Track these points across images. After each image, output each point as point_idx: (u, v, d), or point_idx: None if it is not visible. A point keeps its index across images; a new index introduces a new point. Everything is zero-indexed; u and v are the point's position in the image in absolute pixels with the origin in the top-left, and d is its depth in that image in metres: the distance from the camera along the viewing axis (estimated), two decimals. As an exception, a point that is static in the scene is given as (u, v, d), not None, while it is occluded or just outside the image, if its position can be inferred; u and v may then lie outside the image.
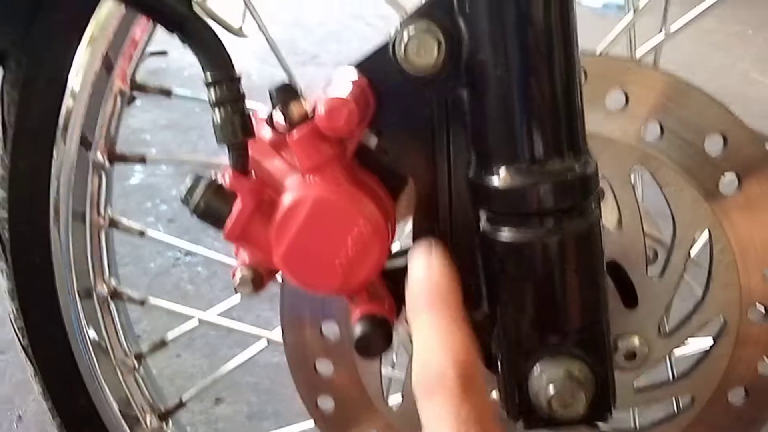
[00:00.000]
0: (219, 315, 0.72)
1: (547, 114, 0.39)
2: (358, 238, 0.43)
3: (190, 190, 0.44)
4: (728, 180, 0.50)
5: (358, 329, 0.45)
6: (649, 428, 0.58)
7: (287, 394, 1.19)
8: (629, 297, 0.53)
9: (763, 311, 0.53)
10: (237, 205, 0.43)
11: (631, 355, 0.54)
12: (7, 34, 0.59)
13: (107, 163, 0.63)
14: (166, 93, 0.63)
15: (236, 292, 0.47)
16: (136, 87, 0.61)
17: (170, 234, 1.56)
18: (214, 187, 0.43)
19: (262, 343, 0.69)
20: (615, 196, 0.50)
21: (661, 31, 0.55)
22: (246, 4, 0.64)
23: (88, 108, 0.58)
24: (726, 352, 0.54)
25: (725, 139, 0.49)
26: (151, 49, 0.66)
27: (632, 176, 0.50)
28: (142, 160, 0.65)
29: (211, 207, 0.43)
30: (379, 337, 0.43)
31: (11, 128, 0.58)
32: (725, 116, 0.49)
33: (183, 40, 0.42)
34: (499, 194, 0.41)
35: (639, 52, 0.55)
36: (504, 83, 0.40)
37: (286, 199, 0.43)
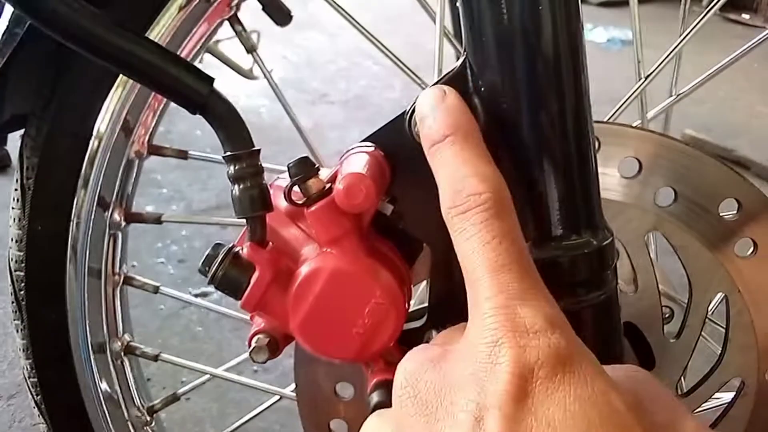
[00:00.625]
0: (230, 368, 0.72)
1: (563, 192, 0.40)
2: (375, 308, 0.43)
3: (208, 260, 0.44)
4: (743, 243, 0.50)
5: (375, 397, 0.45)
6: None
7: (298, 440, 1.18)
8: (646, 358, 0.53)
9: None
10: (255, 277, 0.43)
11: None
12: (29, 100, 0.60)
13: (123, 223, 0.64)
14: (183, 155, 0.65)
15: (252, 360, 0.47)
16: (153, 150, 0.63)
17: (183, 274, 1.58)
18: (232, 258, 0.44)
19: (275, 397, 0.69)
20: (630, 260, 0.50)
21: (671, 94, 0.56)
22: (249, 51, 0.65)
23: (106, 170, 0.59)
24: (744, 414, 0.54)
25: (739, 204, 0.49)
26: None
27: (647, 239, 0.51)
28: (157, 220, 0.66)
29: (229, 278, 0.44)
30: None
31: (29, 191, 0.59)
32: (738, 181, 0.49)
33: (205, 118, 0.43)
34: (516, 266, 0.41)
35: (649, 114, 0.56)
36: (518, 161, 0.40)
37: (303, 270, 0.43)
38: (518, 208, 0.41)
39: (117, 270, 0.66)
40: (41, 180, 0.59)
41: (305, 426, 0.60)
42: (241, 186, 0.43)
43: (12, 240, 0.62)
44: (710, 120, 2.74)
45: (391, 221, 0.48)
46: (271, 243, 0.45)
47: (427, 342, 0.49)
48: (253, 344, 0.47)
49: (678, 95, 0.59)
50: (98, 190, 0.60)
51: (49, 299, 0.63)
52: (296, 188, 0.43)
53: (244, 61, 2.05)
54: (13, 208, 0.61)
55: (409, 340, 0.48)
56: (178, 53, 0.58)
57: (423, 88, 0.43)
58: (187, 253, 1.69)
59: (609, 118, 0.55)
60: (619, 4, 4.05)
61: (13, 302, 0.64)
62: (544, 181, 0.40)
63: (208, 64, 1.95)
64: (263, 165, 0.44)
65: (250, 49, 0.61)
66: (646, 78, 0.55)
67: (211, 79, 0.42)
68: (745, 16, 3.96)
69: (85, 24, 0.38)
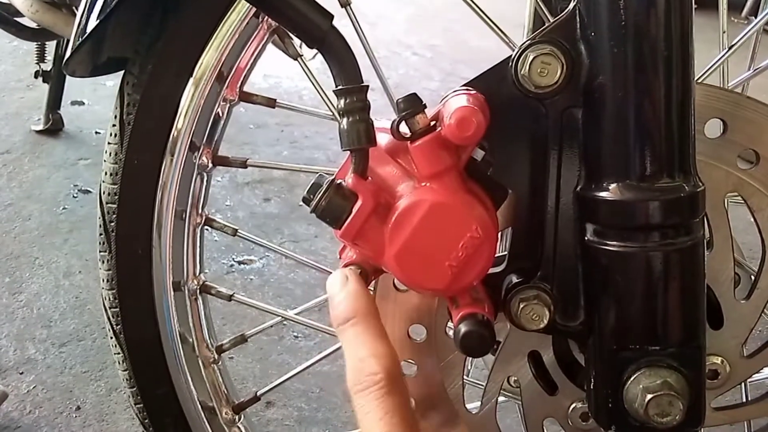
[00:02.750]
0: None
1: (661, 135, 0.42)
2: (470, 242, 0.45)
3: (312, 189, 0.47)
4: (821, 209, 0.51)
5: (462, 328, 0.47)
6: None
7: (337, 403, 1.21)
8: (715, 318, 0.55)
9: None
10: (357, 205, 0.46)
11: (714, 375, 0.55)
12: (130, 43, 0.64)
13: (210, 165, 0.67)
14: (271, 103, 0.67)
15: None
16: (244, 96, 0.66)
17: (226, 242, 1.62)
18: (336, 188, 0.46)
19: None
20: (708, 220, 0.52)
21: (749, 68, 0.58)
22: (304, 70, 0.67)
23: (198, 114, 0.62)
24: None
25: (819, 170, 0.51)
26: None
27: (726, 200, 0.52)
28: (243, 164, 0.69)
29: (332, 206, 0.46)
30: (484, 336, 0.46)
31: (129, 126, 0.63)
32: (821, 147, 0.50)
33: (321, 52, 0.45)
34: (609, 208, 0.44)
35: (729, 85, 0.58)
36: (622, 104, 0.42)
37: (403, 201, 0.46)
38: (618, 151, 0.43)
39: (200, 210, 0.69)
40: (141, 116, 0.62)
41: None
42: (350, 119, 0.46)
43: (106, 173, 0.65)
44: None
45: (480, 167, 0.50)
46: (370, 178, 0.48)
47: (508, 285, 0.51)
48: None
49: (756, 69, 0.60)
50: (191, 132, 0.63)
51: (138, 235, 0.66)
52: (403, 124, 0.45)
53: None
54: (109, 143, 0.65)
55: (490, 283, 0.51)
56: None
57: (512, 49, 0.46)
58: (231, 222, 1.72)
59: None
60: None
61: (101, 234, 0.67)
62: (645, 124, 0.42)
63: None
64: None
65: (296, 56, 0.64)
66: (729, 48, 0.57)
67: (331, 16, 0.45)
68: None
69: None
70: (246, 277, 1.55)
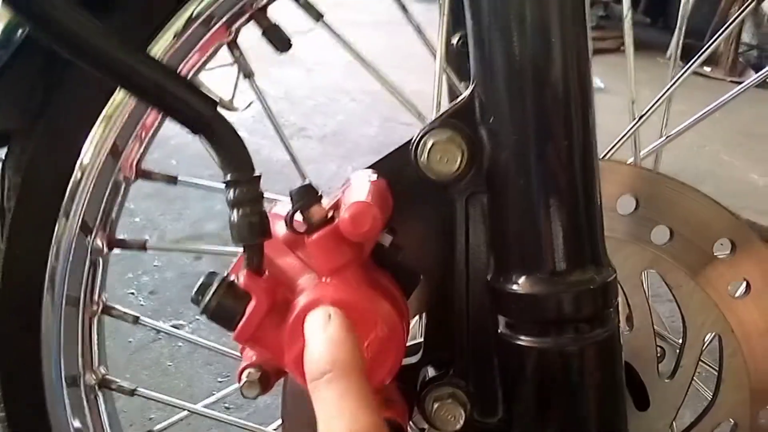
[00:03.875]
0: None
1: (569, 225, 0.40)
2: (375, 341, 0.42)
3: (201, 289, 0.43)
4: (737, 283, 0.50)
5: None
6: None
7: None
8: (641, 398, 0.53)
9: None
10: (251, 307, 0.42)
11: (644, 460, 0.53)
12: (14, 117, 0.58)
13: (106, 249, 0.62)
14: (172, 180, 0.63)
15: (242, 395, 0.45)
16: (142, 174, 0.61)
17: (153, 306, 1.54)
18: (227, 287, 0.42)
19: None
20: (626, 298, 0.50)
21: (661, 135, 0.57)
22: (246, 77, 0.64)
23: (91, 194, 0.57)
24: (738, 458, 0.53)
25: (733, 244, 0.50)
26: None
27: (642, 277, 0.51)
28: (142, 247, 0.64)
29: (223, 307, 0.42)
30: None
31: (9, 213, 0.57)
32: (732, 221, 0.50)
33: (207, 141, 0.42)
34: (519, 302, 0.41)
35: (642, 153, 0.57)
36: (525, 192, 0.40)
37: (301, 300, 0.42)
38: (524, 241, 0.41)
39: (96, 298, 0.63)
40: (22, 202, 0.56)
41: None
42: (241, 212, 0.42)
43: (-14, 264, 0.59)
44: (677, 166, 2.82)
45: (389, 253, 0.47)
46: (267, 272, 0.44)
47: (423, 379, 0.48)
48: (244, 379, 0.45)
49: (668, 136, 0.60)
50: (81, 215, 0.58)
51: (23, 328, 0.60)
52: (298, 215, 0.42)
53: (225, 92, 2.04)
54: (-11, 230, 0.59)
55: (405, 376, 0.47)
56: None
57: (424, 123, 0.43)
58: (159, 284, 1.64)
59: (602, 157, 0.56)
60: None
61: (-18, 330, 0.61)
62: (550, 214, 0.40)
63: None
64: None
65: (248, 74, 0.61)
66: (640, 118, 0.56)
67: (214, 102, 0.42)
68: (707, 69, 4.13)
69: (91, 38, 0.37)
70: (173, 345, 1.46)
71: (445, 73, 0.59)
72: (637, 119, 0.56)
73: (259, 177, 0.43)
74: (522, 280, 0.40)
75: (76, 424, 0.64)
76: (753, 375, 0.52)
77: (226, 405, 1.31)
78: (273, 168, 2.60)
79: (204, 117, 0.41)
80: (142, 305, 1.56)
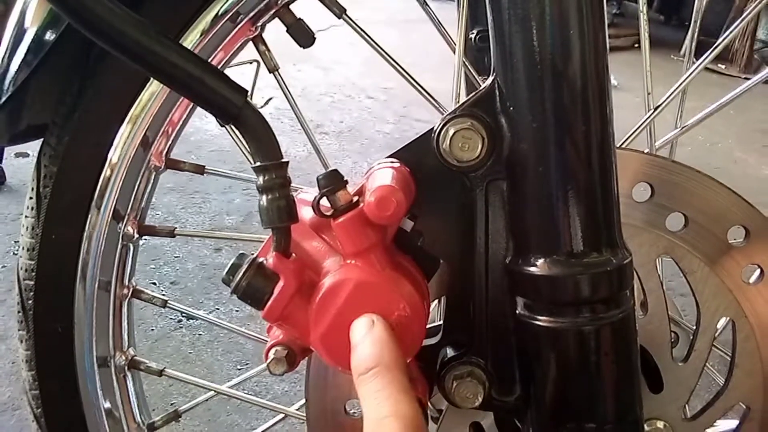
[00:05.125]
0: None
1: (586, 209, 0.41)
2: (398, 321, 0.43)
3: (232, 269, 0.45)
4: (751, 270, 0.51)
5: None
6: None
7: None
8: (655, 381, 0.54)
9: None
10: (279, 287, 0.44)
11: (657, 442, 0.54)
12: (48, 110, 0.61)
13: (136, 235, 0.64)
14: (200, 170, 0.65)
15: (270, 371, 0.47)
16: (171, 164, 0.63)
17: (174, 296, 1.57)
18: (257, 268, 0.44)
19: (279, 416, 0.68)
20: (641, 283, 0.52)
21: (676, 126, 0.58)
22: (271, 71, 0.65)
23: (123, 183, 0.60)
24: (750, 441, 0.54)
25: (747, 231, 0.51)
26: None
27: (657, 263, 0.52)
28: (171, 233, 0.66)
29: (253, 287, 0.44)
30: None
31: (45, 200, 0.60)
32: (746, 209, 0.51)
33: (237, 129, 0.44)
34: (537, 283, 0.42)
35: (657, 143, 0.58)
36: (544, 179, 0.41)
37: (327, 281, 0.44)
38: (542, 225, 0.42)
39: (126, 282, 0.65)
40: (58, 189, 0.59)
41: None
42: (269, 196, 0.44)
43: (23, 248, 0.62)
44: (692, 163, 2.80)
45: (410, 238, 0.49)
46: (294, 254, 0.46)
47: (443, 359, 0.50)
48: (271, 356, 0.47)
49: (683, 127, 0.61)
50: (114, 202, 0.60)
51: (57, 310, 0.62)
52: (324, 200, 0.44)
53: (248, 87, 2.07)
54: (26, 216, 0.61)
55: (425, 357, 0.49)
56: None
57: (442, 114, 0.45)
58: (180, 274, 1.67)
59: (619, 146, 0.57)
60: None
61: (19, 312, 0.63)
62: (568, 199, 0.41)
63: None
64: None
65: (273, 69, 0.63)
66: (655, 109, 0.57)
67: (245, 91, 0.43)
68: (721, 66, 4.10)
69: (126, 28, 0.39)
70: (194, 333, 1.49)
71: (463, 68, 0.60)
72: (652, 110, 0.57)
73: (287, 163, 0.45)
74: (540, 262, 0.42)
75: (106, 404, 0.66)
76: (766, 360, 0.53)
77: (245, 391, 1.34)
78: (291, 164, 2.64)
79: (235, 106, 0.43)
80: (163, 295, 1.59)
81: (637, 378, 0.45)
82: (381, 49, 0.60)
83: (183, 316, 1.53)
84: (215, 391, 0.69)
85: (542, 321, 0.43)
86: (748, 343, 0.53)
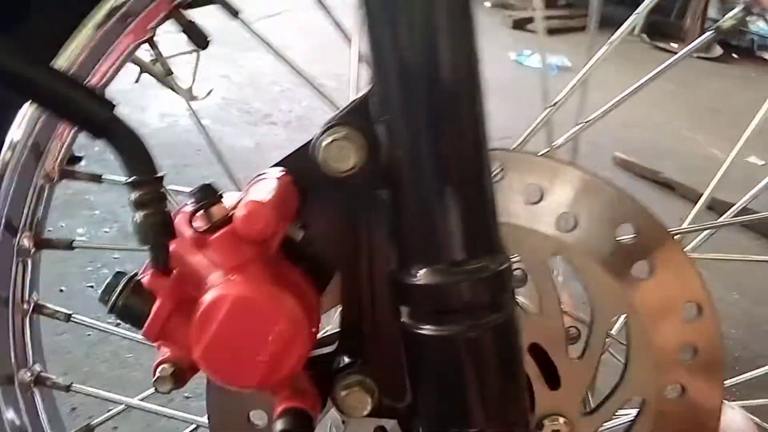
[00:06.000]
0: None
1: (463, 217, 0.41)
2: (279, 336, 0.43)
3: (108, 289, 0.44)
4: (640, 266, 0.52)
5: (279, 425, 0.44)
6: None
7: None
8: (552, 378, 0.55)
9: (680, 390, 0.55)
10: (155, 306, 0.43)
11: (557, 437, 0.55)
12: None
13: (33, 249, 0.62)
14: (96, 179, 0.63)
15: (156, 389, 0.47)
16: (65, 174, 0.61)
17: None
18: (133, 287, 0.43)
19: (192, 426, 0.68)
20: (534, 283, 0.52)
21: (577, 123, 0.59)
22: (166, 75, 0.64)
23: (12, 195, 0.58)
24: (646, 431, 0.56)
25: (636, 228, 0.52)
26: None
27: (550, 263, 0.52)
28: (69, 246, 0.64)
29: (129, 307, 0.43)
30: (299, 432, 0.43)
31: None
32: (635, 207, 0.51)
33: (107, 143, 0.42)
34: (418, 292, 0.42)
35: (558, 141, 0.59)
36: (420, 187, 0.41)
37: (206, 298, 0.43)
38: (420, 234, 0.42)
39: (26, 298, 0.63)
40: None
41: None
42: (143, 213, 0.43)
43: None
44: (640, 143, 2.87)
45: (301, 247, 0.48)
46: (175, 271, 0.45)
47: (337, 366, 0.49)
48: (157, 374, 0.46)
49: (583, 122, 0.61)
50: (4, 215, 0.58)
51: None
52: (200, 215, 0.43)
53: (185, 81, 2.02)
54: None
55: (321, 366, 0.49)
56: (92, 71, 0.58)
57: (336, 109, 0.44)
58: (119, 276, 1.64)
59: (518, 145, 0.58)
60: (558, 32, 4.20)
61: None
62: (444, 208, 0.41)
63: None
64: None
65: (167, 73, 0.61)
66: (553, 105, 0.58)
67: (112, 105, 0.42)
68: (674, 45, 4.18)
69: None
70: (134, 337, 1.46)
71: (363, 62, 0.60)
72: (550, 105, 0.57)
73: (162, 177, 0.44)
74: (420, 271, 0.42)
75: (12, 418, 0.64)
76: (658, 353, 0.54)
77: (187, 395, 1.32)
78: (238, 155, 2.60)
79: (102, 120, 0.41)
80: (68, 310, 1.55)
81: (521, 376, 0.45)
82: (277, 52, 0.59)
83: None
84: (126, 405, 0.68)
85: (425, 329, 0.43)
86: (641, 337, 0.54)
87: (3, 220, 0.58)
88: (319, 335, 0.48)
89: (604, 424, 0.56)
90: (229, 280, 0.43)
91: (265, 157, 2.29)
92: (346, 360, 0.49)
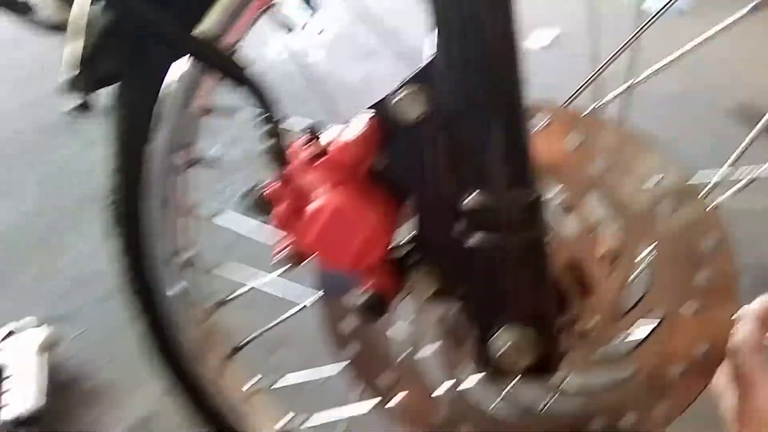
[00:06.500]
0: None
1: (504, 156, 0.54)
2: (362, 234, 0.59)
3: (246, 192, 0.62)
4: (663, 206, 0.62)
5: (359, 300, 0.61)
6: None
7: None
8: (586, 288, 0.67)
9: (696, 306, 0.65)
10: (280, 204, 0.60)
11: (586, 335, 0.68)
12: (120, 62, 0.78)
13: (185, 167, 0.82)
14: (232, 113, 0.81)
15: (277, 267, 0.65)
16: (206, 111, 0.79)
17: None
18: (261, 194, 0.61)
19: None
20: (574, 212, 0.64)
21: (624, 83, 0.67)
22: None
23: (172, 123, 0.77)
24: (664, 339, 0.67)
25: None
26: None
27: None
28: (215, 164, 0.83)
29: (261, 204, 0.61)
30: (373, 308, 0.60)
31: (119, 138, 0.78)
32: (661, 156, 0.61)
33: (245, 88, 0.59)
34: (469, 211, 0.56)
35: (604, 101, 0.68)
36: (471, 132, 0.54)
37: (313, 205, 0.60)
38: (470, 167, 0.56)
39: (183, 203, 0.84)
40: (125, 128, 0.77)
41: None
42: (271, 141, 0.59)
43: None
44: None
45: (384, 174, 0.63)
46: (293, 183, 0.62)
47: (411, 263, 0.65)
48: (278, 254, 0.64)
49: (630, 84, 0.69)
50: (168, 138, 0.78)
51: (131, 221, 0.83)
52: (308, 146, 0.59)
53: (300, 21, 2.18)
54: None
55: (398, 261, 0.65)
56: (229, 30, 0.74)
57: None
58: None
59: (566, 104, 0.67)
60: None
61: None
62: (489, 148, 0.54)
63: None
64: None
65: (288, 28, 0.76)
66: (603, 65, 0.66)
67: (244, 65, 0.58)
68: None
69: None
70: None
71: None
72: (601, 65, 0.66)
73: (282, 117, 0.60)
74: (471, 196, 0.56)
75: (171, 290, 0.87)
76: (678, 276, 0.64)
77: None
78: (346, 87, 2.76)
79: (243, 71, 0.58)
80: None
81: (547, 280, 0.59)
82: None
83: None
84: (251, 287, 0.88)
85: (473, 240, 0.57)
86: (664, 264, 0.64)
87: (168, 141, 0.78)
88: (398, 241, 0.64)
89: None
90: (329, 193, 0.59)
91: (373, 89, 2.43)
92: (418, 258, 0.65)
